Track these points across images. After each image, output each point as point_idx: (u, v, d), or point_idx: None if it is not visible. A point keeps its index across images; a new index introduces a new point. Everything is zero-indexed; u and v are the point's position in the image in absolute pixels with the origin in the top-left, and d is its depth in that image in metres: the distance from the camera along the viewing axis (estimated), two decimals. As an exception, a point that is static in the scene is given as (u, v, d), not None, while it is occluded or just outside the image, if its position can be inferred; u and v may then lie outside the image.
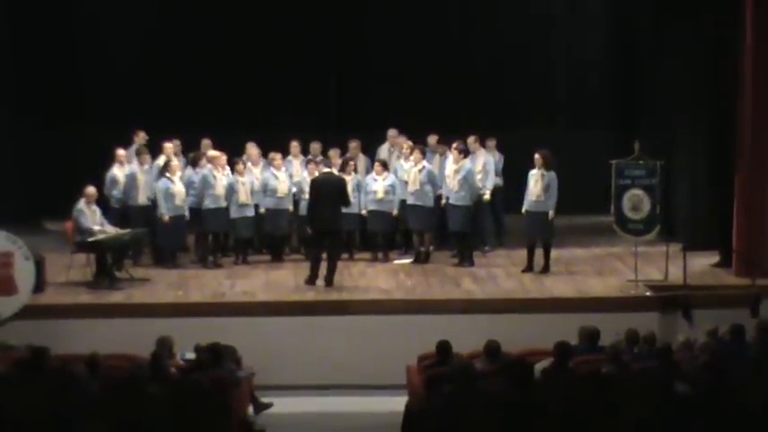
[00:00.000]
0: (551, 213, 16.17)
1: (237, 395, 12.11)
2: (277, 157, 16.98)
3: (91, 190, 15.88)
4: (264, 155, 17.16)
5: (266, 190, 16.85)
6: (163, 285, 15.79)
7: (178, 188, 16.49)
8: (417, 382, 12.03)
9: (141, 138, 17.41)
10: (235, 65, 19.55)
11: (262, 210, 16.85)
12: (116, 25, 19.55)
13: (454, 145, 16.74)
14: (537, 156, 16.20)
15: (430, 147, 17.35)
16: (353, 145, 17.66)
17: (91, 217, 15.75)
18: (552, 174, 16.17)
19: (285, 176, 16.93)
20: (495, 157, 17.69)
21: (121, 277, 15.85)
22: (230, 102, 19.44)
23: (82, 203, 15.74)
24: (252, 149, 17.27)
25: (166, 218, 16.39)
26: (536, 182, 16.19)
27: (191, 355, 12.61)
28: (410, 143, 17.24)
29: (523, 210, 16.37)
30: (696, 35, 17.09)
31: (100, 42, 19.66)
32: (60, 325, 14.32)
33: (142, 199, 16.69)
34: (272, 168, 16.92)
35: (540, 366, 11.35)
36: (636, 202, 15.70)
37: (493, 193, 17.35)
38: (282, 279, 16.10)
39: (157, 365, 11.42)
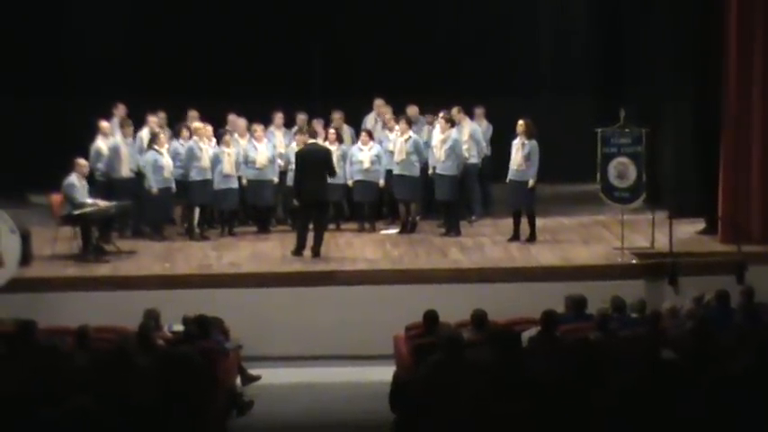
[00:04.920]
0: (531, 182, 16.17)
1: (225, 367, 12.13)
2: (259, 128, 16.95)
3: (82, 162, 15.78)
4: (248, 126, 17.14)
5: (246, 161, 16.83)
6: (149, 257, 15.77)
7: (166, 160, 16.46)
8: (405, 351, 12.05)
9: (121, 110, 17.33)
10: (220, 36, 19.48)
11: (244, 181, 16.84)
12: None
13: (441, 114, 16.73)
14: (520, 122, 16.19)
15: (411, 117, 17.29)
16: (337, 116, 17.61)
17: (82, 191, 15.67)
18: (533, 142, 16.17)
19: (265, 147, 16.89)
20: (482, 126, 17.68)
21: (108, 250, 15.83)
22: (214, 73, 19.36)
23: (73, 177, 15.62)
24: (239, 121, 17.24)
25: (155, 190, 16.36)
26: (517, 150, 16.19)
27: (178, 327, 12.61)
28: (392, 113, 17.25)
29: (507, 179, 16.37)
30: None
31: (83, 13, 19.56)
32: (47, 298, 14.31)
33: (125, 171, 16.63)
34: (252, 139, 16.90)
35: (527, 335, 11.38)
36: (622, 170, 15.71)
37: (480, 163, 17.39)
38: (269, 250, 16.09)
39: (145, 337, 11.41)
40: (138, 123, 17.13)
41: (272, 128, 17.34)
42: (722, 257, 15.22)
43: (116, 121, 17.17)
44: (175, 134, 16.99)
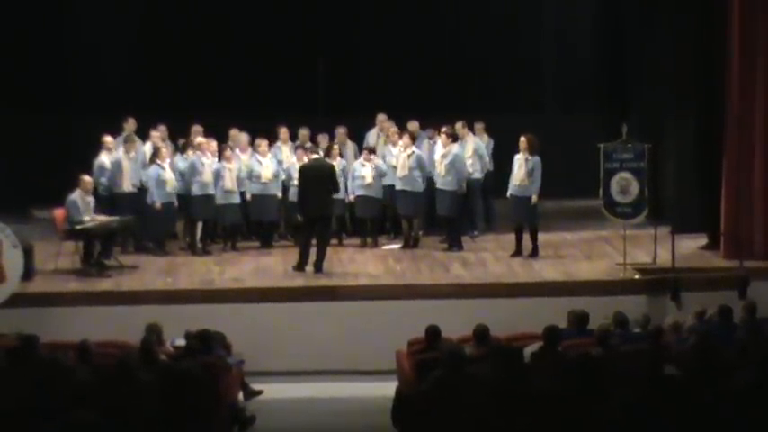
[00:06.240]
0: (534, 198, 16.17)
1: (227, 381, 12.12)
2: (262, 143, 16.96)
3: (86, 179, 15.78)
4: (252, 141, 17.15)
5: (251, 176, 16.84)
6: (152, 272, 15.77)
7: (169, 175, 16.46)
8: (407, 366, 12.05)
9: (131, 124, 17.35)
10: (223, 51, 19.53)
11: (248, 196, 16.85)
12: (104, 11, 19.50)
13: (443, 129, 16.75)
14: (522, 138, 16.21)
15: (413, 132, 17.31)
16: (341, 131, 17.65)
17: (84, 208, 15.64)
18: (536, 159, 16.18)
19: (269, 162, 16.91)
20: (484, 141, 17.69)
21: (110, 265, 15.83)
22: (218, 88, 19.41)
23: (77, 194, 15.61)
24: (241, 136, 17.26)
25: (158, 205, 16.35)
26: (520, 166, 16.20)
27: (180, 342, 12.61)
28: (395, 128, 17.27)
29: (508, 194, 16.38)
30: (683, 13, 17.09)
31: (87, 29, 19.61)
32: (49, 313, 14.32)
33: (127, 186, 16.64)
34: (256, 154, 16.92)
35: (529, 350, 11.37)
36: (624, 185, 15.71)
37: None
38: (271, 265, 16.10)
39: (147, 352, 11.41)
40: (142, 138, 17.14)
41: (278, 143, 17.36)
42: (724, 273, 15.22)
43: (122, 136, 17.17)
44: (180, 149, 17.01)
